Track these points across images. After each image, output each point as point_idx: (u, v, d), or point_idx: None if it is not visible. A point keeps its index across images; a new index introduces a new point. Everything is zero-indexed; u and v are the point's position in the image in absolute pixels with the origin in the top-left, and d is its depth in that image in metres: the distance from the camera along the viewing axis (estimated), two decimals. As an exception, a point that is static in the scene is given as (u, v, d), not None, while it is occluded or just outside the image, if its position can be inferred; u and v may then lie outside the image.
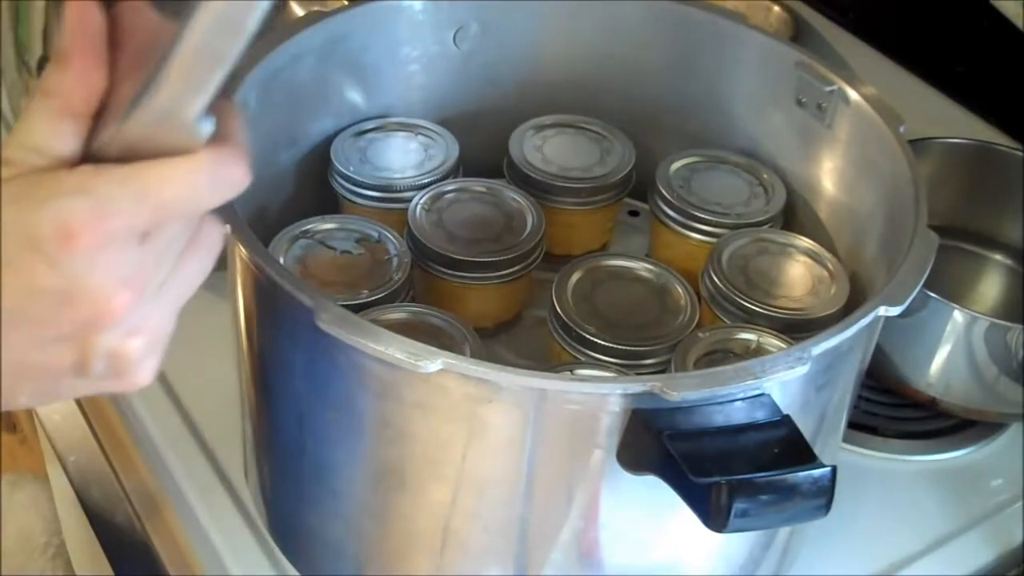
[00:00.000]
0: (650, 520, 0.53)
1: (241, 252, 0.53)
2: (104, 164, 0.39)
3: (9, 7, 0.90)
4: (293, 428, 0.57)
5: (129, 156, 0.39)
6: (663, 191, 0.71)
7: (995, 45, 0.98)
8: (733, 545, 0.57)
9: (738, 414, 0.47)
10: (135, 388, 0.42)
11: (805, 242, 0.68)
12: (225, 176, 0.40)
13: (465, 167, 0.73)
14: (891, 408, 0.76)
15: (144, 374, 0.42)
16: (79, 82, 0.40)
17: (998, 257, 0.84)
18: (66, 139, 0.40)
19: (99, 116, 0.40)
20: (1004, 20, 0.94)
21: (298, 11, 1.01)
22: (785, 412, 0.47)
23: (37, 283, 0.38)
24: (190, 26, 0.36)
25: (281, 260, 0.63)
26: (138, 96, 0.38)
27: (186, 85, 0.37)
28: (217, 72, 0.37)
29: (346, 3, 0.73)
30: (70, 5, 0.40)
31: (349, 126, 0.73)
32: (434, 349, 0.46)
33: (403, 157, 0.72)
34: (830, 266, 0.67)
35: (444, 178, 0.71)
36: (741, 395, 0.47)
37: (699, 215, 0.70)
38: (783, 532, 0.59)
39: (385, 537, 0.57)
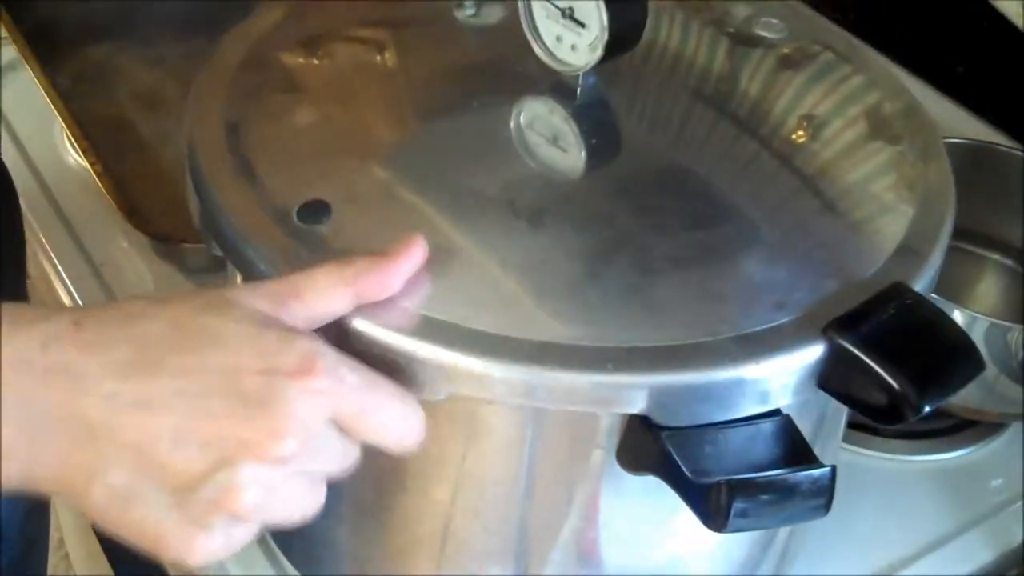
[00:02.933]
0: (650, 520, 0.53)
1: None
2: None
3: None
4: (293, 428, 0.57)
5: None
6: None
7: (995, 45, 0.98)
8: (733, 545, 0.57)
9: (738, 414, 0.47)
10: (190, 554, 0.39)
11: (805, 242, 0.68)
12: None
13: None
14: (891, 408, 0.76)
15: (211, 543, 0.39)
16: (385, 278, 0.44)
17: (998, 257, 0.84)
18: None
19: None
20: (1004, 20, 0.94)
21: None
22: (785, 412, 0.47)
23: (243, 382, 0.38)
24: None
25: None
26: None
27: None
28: None
29: None
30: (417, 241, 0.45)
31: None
32: (434, 349, 0.46)
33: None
34: (830, 266, 0.66)
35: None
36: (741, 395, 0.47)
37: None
38: (783, 532, 0.59)
39: (385, 537, 0.57)
